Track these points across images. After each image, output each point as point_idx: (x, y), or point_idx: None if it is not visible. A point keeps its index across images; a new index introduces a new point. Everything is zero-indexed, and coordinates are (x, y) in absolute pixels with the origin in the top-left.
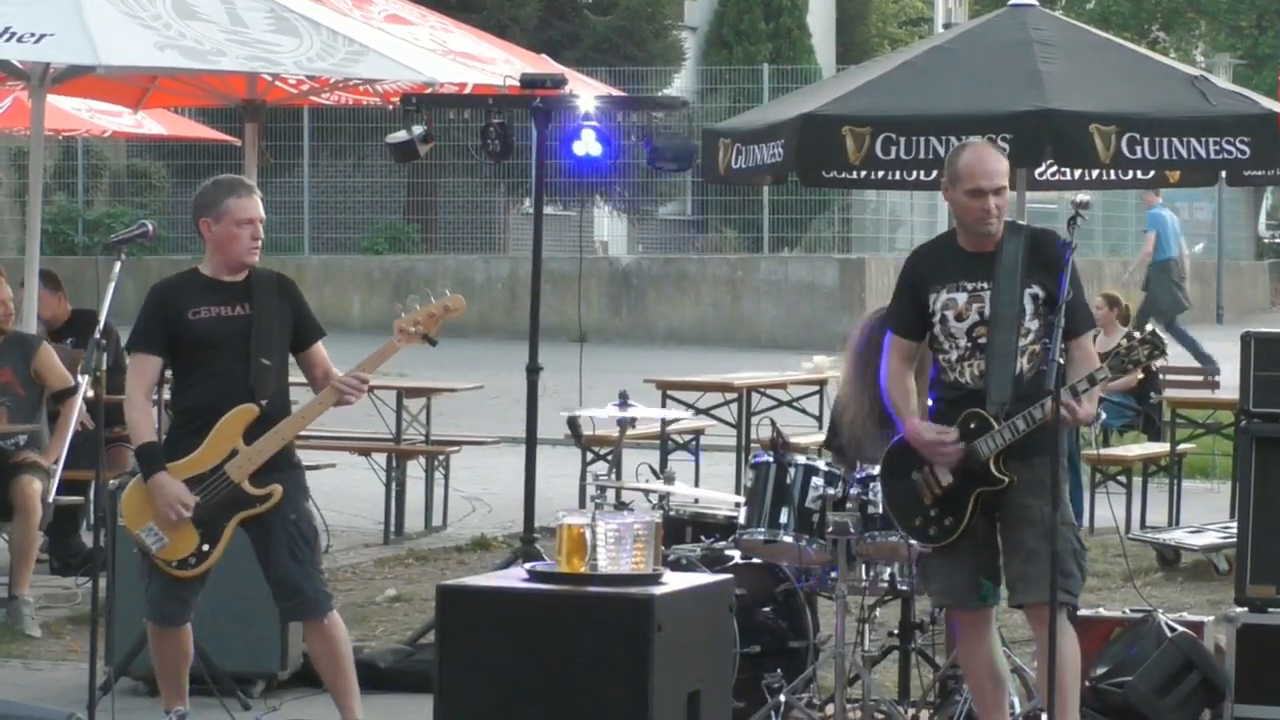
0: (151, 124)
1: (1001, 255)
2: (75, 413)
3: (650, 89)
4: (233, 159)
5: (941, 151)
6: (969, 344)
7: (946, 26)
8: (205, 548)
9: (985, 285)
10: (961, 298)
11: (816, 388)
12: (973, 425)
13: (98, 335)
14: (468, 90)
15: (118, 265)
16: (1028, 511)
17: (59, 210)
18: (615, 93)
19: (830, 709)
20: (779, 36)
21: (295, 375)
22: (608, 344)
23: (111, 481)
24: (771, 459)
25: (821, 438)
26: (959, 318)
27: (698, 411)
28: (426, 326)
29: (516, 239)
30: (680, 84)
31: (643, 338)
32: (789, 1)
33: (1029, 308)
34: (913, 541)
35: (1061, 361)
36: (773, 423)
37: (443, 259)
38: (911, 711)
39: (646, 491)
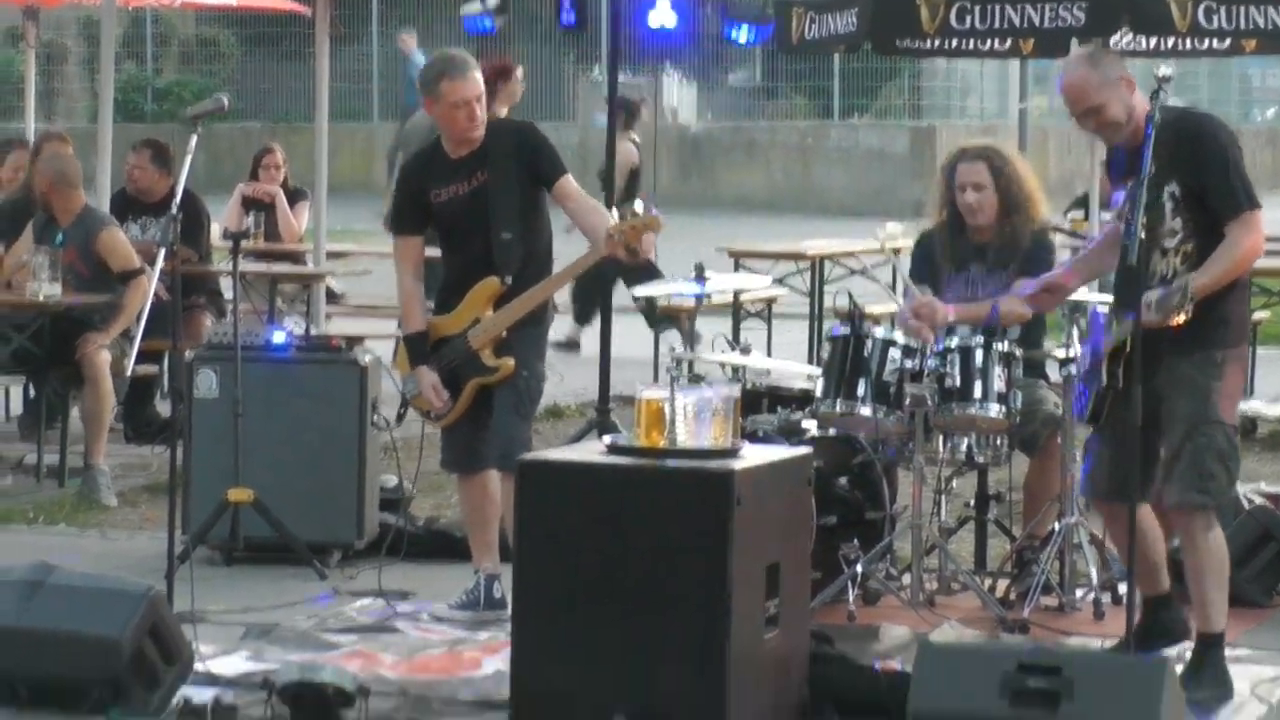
0: None
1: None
2: (139, 294)
3: None
4: (302, 28)
5: (1016, 21)
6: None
7: None
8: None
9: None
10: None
11: (889, 257)
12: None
13: (174, 209)
14: None
15: (194, 139)
16: (1175, 410)
17: (128, 79)
18: None
19: (907, 579)
20: None
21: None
22: (677, 211)
23: (187, 353)
24: (849, 331)
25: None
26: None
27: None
28: (629, 236)
29: (586, 106)
30: None
31: (712, 205)
32: None
33: (1168, 206)
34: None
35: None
36: (850, 295)
37: None
38: (988, 582)
39: (722, 364)
